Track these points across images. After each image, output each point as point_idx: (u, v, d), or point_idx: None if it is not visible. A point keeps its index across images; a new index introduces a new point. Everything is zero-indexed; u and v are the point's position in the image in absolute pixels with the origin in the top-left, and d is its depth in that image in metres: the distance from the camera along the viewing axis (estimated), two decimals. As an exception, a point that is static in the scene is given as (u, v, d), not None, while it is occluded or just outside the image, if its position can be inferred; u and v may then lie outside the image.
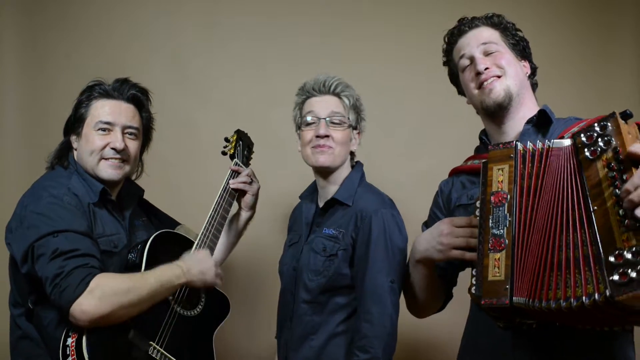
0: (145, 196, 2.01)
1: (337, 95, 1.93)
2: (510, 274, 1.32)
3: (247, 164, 2.11)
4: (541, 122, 1.56)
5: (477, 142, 1.73)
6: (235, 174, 2.01)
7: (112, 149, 1.77)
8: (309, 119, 1.92)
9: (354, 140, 1.96)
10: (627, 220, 1.18)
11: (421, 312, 1.79)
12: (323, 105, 1.92)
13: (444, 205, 1.72)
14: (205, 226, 1.87)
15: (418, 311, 1.80)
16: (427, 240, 1.56)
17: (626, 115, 1.25)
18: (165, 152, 2.61)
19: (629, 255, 1.15)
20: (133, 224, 1.87)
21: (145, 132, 1.91)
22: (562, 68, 2.81)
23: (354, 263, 1.83)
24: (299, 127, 1.99)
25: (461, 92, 1.71)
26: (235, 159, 2.05)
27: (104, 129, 1.78)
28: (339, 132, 1.90)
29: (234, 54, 2.72)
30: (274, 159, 2.62)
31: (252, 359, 2.63)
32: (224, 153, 2.09)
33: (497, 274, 1.34)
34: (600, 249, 1.21)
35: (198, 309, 1.82)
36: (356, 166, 1.99)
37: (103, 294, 1.52)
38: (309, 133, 1.91)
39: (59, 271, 1.53)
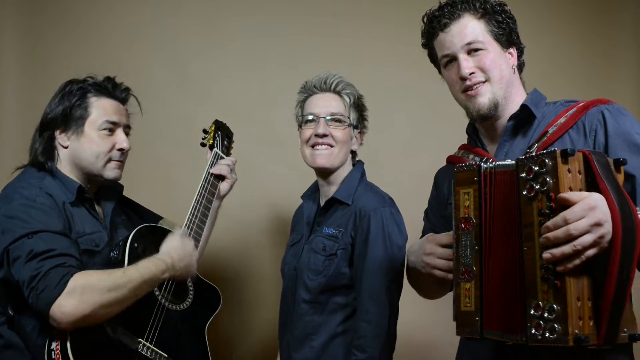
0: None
1: (338, 93, 1.92)
2: (480, 306, 1.31)
3: (227, 154, 2.09)
4: (524, 118, 1.53)
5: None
6: (215, 161, 1.99)
7: (120, 149, 1.76)
8: (309, 117, 1.92)
9: (355, 139, 1.95)
10: (543, 273, 1.21)
11: (430, 297, 1.77)
12: (323, 104, 1.91)
13: (437, 198, 1.72)
14: (189, 217, 1.84)
15: (427, 297, 1.77)
16: (415, 254, 1.56)
17: (566, 154, 1.20)
18: (165, 151, 2.61)
19: (545, 314, 1.20)
20: (114, 221, 1.82)
21: None
22: (563, 69, 2.81)
23: (353, 262, 1.83)
24: (300, 126, 1.98)
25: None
26: (215, 149, 2.03)
27: (110, 129, 1.75)
28: (339, 131, 1.89)
29: (234, 54, 2.72)
30: (274, 158, 2.62)
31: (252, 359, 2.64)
32: (202, 144, 2.06)
33: (468, 305, 1.34)
34: (525, 294, 1.24)
35: (187, 302, 1.79)
36: (357, 165, 1.98)
37: (83, 293, 1.47)
38: (308, 131, 1.92)
39: (35, 273, 1.47)
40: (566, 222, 1.18)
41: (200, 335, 1.82)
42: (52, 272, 1.47)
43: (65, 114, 1.73)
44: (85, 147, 1.73)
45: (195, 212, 1.86)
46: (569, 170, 1.21)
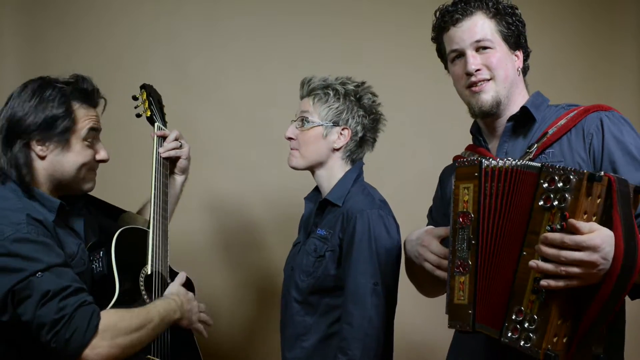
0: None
1: (309, 94, 1.93)
2: (474, 300, 1.33)
3: (165, 123, 1.94)
4: (523, 120, 1.55)
5: (477, 142, 1.73)
6: (161, 140, 1.88)
7: (100, 161, 1.65)
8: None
9: (337, 136, 1.90)
10: (535, 285, 1.23)
11: (427, 293, 1.77)
12: (297, 110, 1.95)
13: (442, 196, 1.72)
14: (153, 208, 1.76)
15: (424, 292, 1.78)
16: (412, 243, 1.58)
17: (593, 178, 1.19)
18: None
19: (525, 323, 1.23)
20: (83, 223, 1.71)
21: None
22: (563, 68, 2.81)
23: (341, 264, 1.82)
24: None
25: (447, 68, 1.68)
26: (156, 122, 1.89)
27: (92, 138, 1.62)
28: (301, 133, 1.90)
29: (234, 54, 2.72)
30: (274, 159, 2.62)
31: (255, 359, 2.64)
32: (138, 115, 1.90)
33: (462, 298, 1.35)
34: (511, 296, 1.27)
35: None
36: (354, 166, 1.95)
37: (114, 334, 1.46)
38: None
39: (58, 316, 1.41)
40: (562, 245, 1.19)
41: (188, 333, 1.78)
42: (77, 313, 1.42)
43: (47, 123, 1.55)
44: (69, 159, 1.59)
45: (158, 201, 1.78)
46: (589, 194, 1.20)
